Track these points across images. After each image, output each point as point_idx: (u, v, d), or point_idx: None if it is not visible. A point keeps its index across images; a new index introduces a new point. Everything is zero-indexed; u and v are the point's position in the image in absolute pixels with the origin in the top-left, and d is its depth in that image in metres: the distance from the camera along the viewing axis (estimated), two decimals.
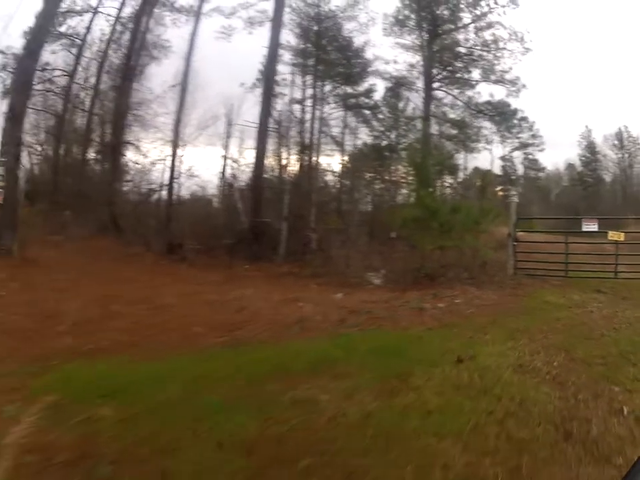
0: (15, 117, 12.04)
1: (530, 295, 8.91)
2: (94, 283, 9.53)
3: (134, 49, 20.05)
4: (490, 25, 21.19)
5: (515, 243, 11.03)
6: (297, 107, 22.15)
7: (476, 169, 25.27)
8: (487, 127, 22.86)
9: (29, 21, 17.81)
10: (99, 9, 19.73)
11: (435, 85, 22.22)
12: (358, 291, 9.42)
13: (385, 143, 23.33)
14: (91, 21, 20.11)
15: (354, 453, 2.61)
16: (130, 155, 19.54)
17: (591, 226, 11.44)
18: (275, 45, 20.69)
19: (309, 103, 22.42)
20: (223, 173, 21.46)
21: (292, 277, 12.83)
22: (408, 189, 17.60)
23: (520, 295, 8.78)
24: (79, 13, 20.21)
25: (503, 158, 23.97)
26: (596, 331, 5.87)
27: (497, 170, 24.71)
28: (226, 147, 21.57)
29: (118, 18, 20.57)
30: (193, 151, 19.58)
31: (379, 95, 23.05)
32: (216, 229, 18.45)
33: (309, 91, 22.64)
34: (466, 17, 21.67)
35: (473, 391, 3.56)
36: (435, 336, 5.38)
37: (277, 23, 20.55)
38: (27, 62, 12.91)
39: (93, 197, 17.97)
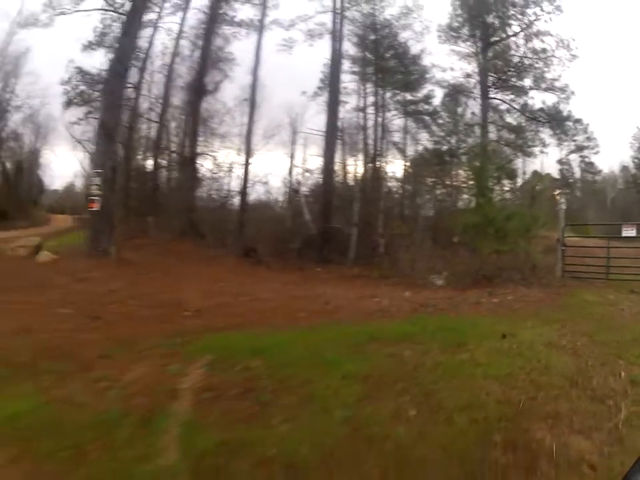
0: (108, 133, 13.44)
1: (571, 294, 9.82)
2: (190, 281, 10.89)
3: (205, 65, 21.34)
4: (538, 33, 21.63)
5: (563, 248, 11.89)
6: (360, 115, 22.90)
7: (535, 173, 25.40)
8: (543, 131, 23.22)
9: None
10: (160, 24, 20.85)
11: (491, 91, 22.74)
12: (423, 290, 10.63)
13: (445, 147, 23.85)
14: (153, 36, 21.14)
15: (429, 383, 3.96)
16: (205, 164, 20.91)
17: (629, 231, 12.23)
18: (336, 55, 21.79)
19: (370, 110, 23.20)
20: (290, 179, 22.45)
21: (363, 278, 14.29)
22: (468, 194, 18.59)
23: (562, 294, 9.69)
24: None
25: (560, 161, 24.27)
26: (620, 323, 6.80)
27: (555, 174, 24.93)
28: (291, 154, 22.64)
29: (180, 33, 21.59)
30: (261, 159, 20.84)
31: (437, 100, 23.66)
32: (283, 234, 19.61)
33: (370, 99, 23.36)
34: (515, 26, 22.11)
35: (510, 355, 4.69)
36: (487, 321, 6.54)
37: (336, 34, 21.66)
38: (114, 83, 14.30)
39: (172, 204, 19.56)
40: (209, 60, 21.49)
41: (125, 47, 14.57)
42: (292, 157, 22.80)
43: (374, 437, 3.06)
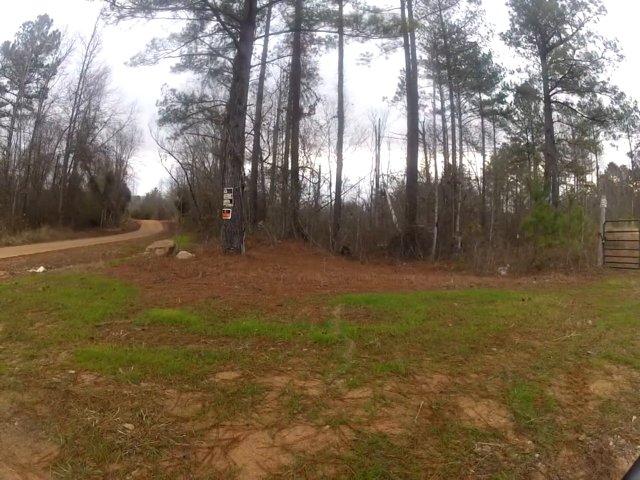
0: (237, 159, 16.50)
1: (600, 279, 11.81)
2: (306, 269, 13.73)
3: (297, 89, 23.79)
4: (588, 35, 22.68)
5: (604, 241, 13.62)
6: (438, 117, 24.59)
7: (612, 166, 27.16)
8: (608, 128, 24.04)
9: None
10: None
11: (553, 92, 23.81)
12: (486, 277, 13.43)
13: (522, 144, 25.14)
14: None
15: (464, 315, 7.15)
16: (305, 174, 23.64)
17: None
18: (411, 61, 23.38)
19: (448, 112, 24.81)
20: (376, 182, 24.65)
21: (441, 270, 16.83)
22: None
23: (592, 279, 11.89)
24: None
25: (630, 154, 25.40)
26: (620, 299, 9.01)
27: (629, 166, 26.44)
28: (376, 158, 24.94)
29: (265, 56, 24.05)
30: (349, 164, 23.14)
31: (510, 99, 24.92)
32: (372, 234, 21.91)
33: (446, 102, 24.96)
34: (568, 29, 23.10)
35: (520, 308, 7.70)
36: (517, 292, 9.47)
37: (409, 42, 23.13)
38: (237, 119, 16.99)
39: (279, 210, 22.45)
40: (300, 83, 23.89)
41: (241, 89, 17.30)
42: (377, 160, 25.00)
43: (430, 331, 6.07)
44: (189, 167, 29.34)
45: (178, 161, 29.15)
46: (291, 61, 24.70)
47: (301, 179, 24.07)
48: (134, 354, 4.89)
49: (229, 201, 15.94)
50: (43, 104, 27.67)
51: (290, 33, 23.67)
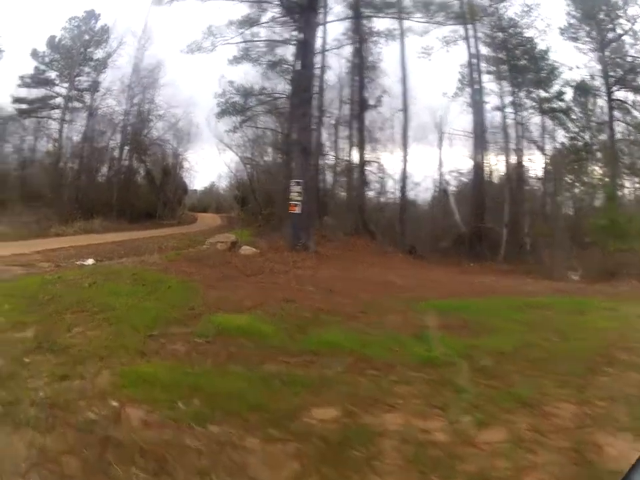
0: (304, 150, 16.17)
1: None
2: (377, 268, 13.65)
3: (362, 80, 23.24)
4: None
5: None
6: (499, 114, 23.69)
7: None
8: None
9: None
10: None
11: (614, 88, 22.72)
12: (560, 282, 13.25)
13: (581, 143, 23.95)
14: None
15: (557, 325, 6.98)
16: (371, 169, 23.08)
17: None
18: (472, 56, 22.94)
19: (509, 109, 23.85)
20: (439, 180, 23.94)
21: (510, 273, 16.34)
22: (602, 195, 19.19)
23: None
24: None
25: None
26: None
27: None
28: (438, 155, 24.10)
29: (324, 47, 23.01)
30: (411, 161, 22.61)
31: (568, 96, 23.76)
32: (435, 232, 21.66)
33: (508, 98, 23.88)
34: (624, 24, 22.04)
35: (614, 321, 7.40)
36: (600, 301, 9.34)
37: (469, 36, 22.80)
38: (304, 108, 16.75)
39: (345, 206, 22.12)
40: (365, 75, 23.43)
41: (306, 77, 17.04)
42: (439, 157, 24.26)
43: (536, 346, 5.81)
44: (249, 161, 28.98)
45: (237, 155, 28.91)
46: (352, 51, 24.11)
47: (368, 173, 23.65)
48: (197, 378, 4.08)
49: (297, 194, 15.58)
50: (95, 97, 27.71)
51: (351, 22, 23.15)
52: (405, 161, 23.07)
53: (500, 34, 23.63)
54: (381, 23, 23.09)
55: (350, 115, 24.30)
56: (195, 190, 40.96)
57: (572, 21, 23.35)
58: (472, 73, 23.52)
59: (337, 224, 20.61)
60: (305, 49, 17.42)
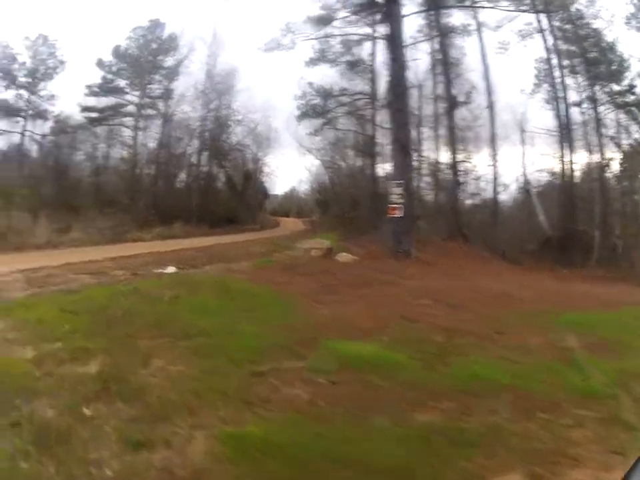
0: (403, 148, 15.14)
1: None
2: (482, 276, 12.54)
3: (449, 77, 22.34)
4: None
5: None
6: (576, 110, 22.52)
7: None
8: None
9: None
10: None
11: None
12: None
13: None
14: (374, 48, 22.82)
15: None
16: (463, 170, 22.02)
17: None
18: (547, 51, 21.91)
19: (586, 105, 22.56)
20: (525, 180, 22.66)
21: (606, 279, 14.92)
22: None
23: None
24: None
25: None
26: None
27: None
28: (521, 155, 22.87)
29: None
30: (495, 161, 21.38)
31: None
32: (522, 235, 20.55)
33: (583, 93, 22.64)
34: None
35: None
36: None
37: (543, 30, 21.67)
38: (399, 103, 15.82)
39: (439, 208, 21.13)
40: (450, 71, 22.52)
41: (398, 70, 16.11)
42: (522, 157, 22.97)
43: None
44: (330, 164, 28.33)
45: (318, 158, 28.48)
46: (432, 46, 23.11)
47: (460, 174, 22.42)
48: (333, 443, 2.92)
49: (397, 196, 14.49)
50: (169, 104, 27.74)
51: (428, 16, 22.11)
52: (495, 160, 21.90)
53: (569, 26, 22.48)
54: (455, 18, 22.35)
55: (435, 113, 23.38)
56: (276, 194, 41.35)
57: (633, 10, 21.90)
58: (550, 67, 22.45)
59: (429, 228, 19.66)
60: (393, 41, 16.48)
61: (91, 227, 19.57)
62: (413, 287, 9.92)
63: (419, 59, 22.59)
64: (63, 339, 4.82)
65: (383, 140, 23.04)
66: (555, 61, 22.50)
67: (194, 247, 16.68)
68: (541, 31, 21.78)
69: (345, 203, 26.21)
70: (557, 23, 22.38)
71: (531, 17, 21.25)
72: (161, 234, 21.10)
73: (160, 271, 10.45)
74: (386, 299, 8.39)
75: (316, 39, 21.63)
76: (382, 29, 18.64)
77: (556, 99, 22.23)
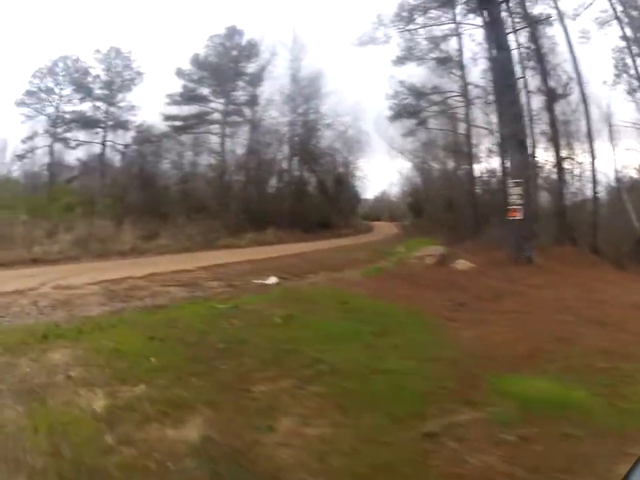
0: (520, 143, 14.05)
1: None
2: (602, 284, 10.88)
3: (544, 68, 20.89)
4: None
5: None
6: None
7: None
8: None
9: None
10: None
11: None
12: None
13: None
14: (460, 43, 22.29)
15: None
16: (566, 167, 20.58)
17: None
18: (625, 40, 20.18)
19: None
20: (615, 177, 21.12)
21: None
22: None
23: None
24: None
25: None
26: None
27: None
28: (609, 150, 21.07)
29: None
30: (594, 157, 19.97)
31: None
32: (611, 234, 18.92)
33: None
34: None
35: None
36: None
37: (618, 15, 19.95)
38: (509, 95, 14.62)
39: (546, 209, 19.85)
40: (545, 61, 21.13)
41: (505, 59, 15.02)
42: (611, 152, 21.17)
43: None
44: (422, 166, 27.83)
45: (410, 160, 28.13)
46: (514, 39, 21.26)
47: (566, 170, 20.78)
48: None
49: (517, 197, 13.23)
50: (255, 110, 27.95)
51: (516, 7, 20.56)
52: (593, 156, 20.22)
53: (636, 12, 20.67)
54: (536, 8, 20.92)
55: (527, 107, 21.43)
56: (367, 198, 41.13)
57: None
58: (632, 57, 20.39)
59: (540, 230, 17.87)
60: (495, 28, 15.49)
61: (180, 234, 19.58)
62: (545, 299, 8.78)
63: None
64: (147, 381, 3.69)
65: (478, 139, 22.60)
66: (635, 50, 20.61)
67: (290, 253, 16.04)
68: (617, 18, 20.12)
69: (439, 206, 25.45)
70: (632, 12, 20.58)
71: (605, 4, 19.80)
72: (253, 240, 20.87)
73: (260, 281, 9.62)
74: (525, 314, 7.28)
75: (412, 29, 21.39)
76: (476, 20, 18.71)
77: (635, 90, 20.28)
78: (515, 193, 13.27)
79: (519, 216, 13.19)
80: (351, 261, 14.14)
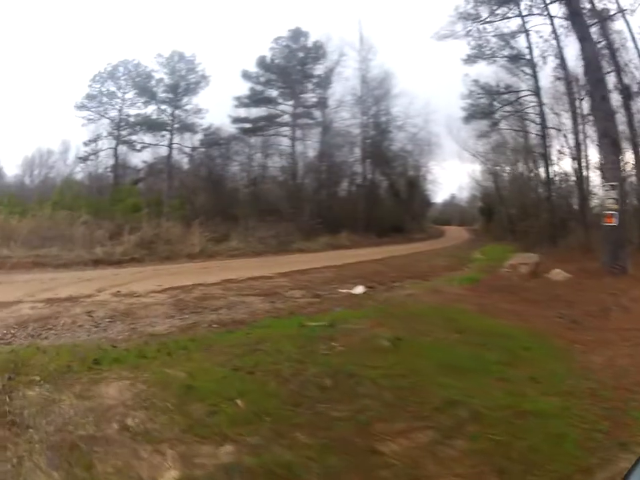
0: (613, 142, 13.27)
1: None
2: None
3: (619, 64, 19.88)
4: None
5: None
6: None
7: None
8: None
9: None
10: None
11: None
12: None
13: None
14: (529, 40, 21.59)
15: None
16: None
17: None
18: None
19: None
20: None
21: None
22: None
23: None
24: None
25: None
26: None
27: None
28: None
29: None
30: None
31: None
32: None
33: None
34: None
35: None
36: None
37: None
38: (600, 89, 13.88)
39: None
40: (619, 59, 20.04)
41: (591, 51, 14.38)
42: None
43: None
44: (494, 169, 27.33)
45: (481, 162, 27.76)
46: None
47: None
48: None
49: (612, 201, 12.48)
50: (326, 112, 27.87)
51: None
52: None
53: None
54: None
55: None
56: (434, 202, 40.08)
57: None
58: None
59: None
60: (577, 18, 14.74)
61: (251, 236, 19.65)
62: None
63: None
64: (236, 438, 2.83)
65: (549, 141, 21.91)
66: None
67: (369, 258, 15.59)
68: None
69: (511, 210, 24.65)
70: None
71: None
72: (328, 244, 20.83)
73: (346, 291, 8.87)
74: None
75: (491, 21, 20.95)
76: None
77: None
78: (610, 197, 12.52)
79: (614, 222, 12.40)
80: (434, 267, 13.76)
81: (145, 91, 27.62)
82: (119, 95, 27.77)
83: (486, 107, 23.78)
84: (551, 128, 21.66)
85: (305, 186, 26.57)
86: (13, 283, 9.40)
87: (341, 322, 5.76)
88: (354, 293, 8.73)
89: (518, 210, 23.97)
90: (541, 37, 20.70)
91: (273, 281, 10.31)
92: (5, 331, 5.62)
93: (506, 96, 23.38)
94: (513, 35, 21.90)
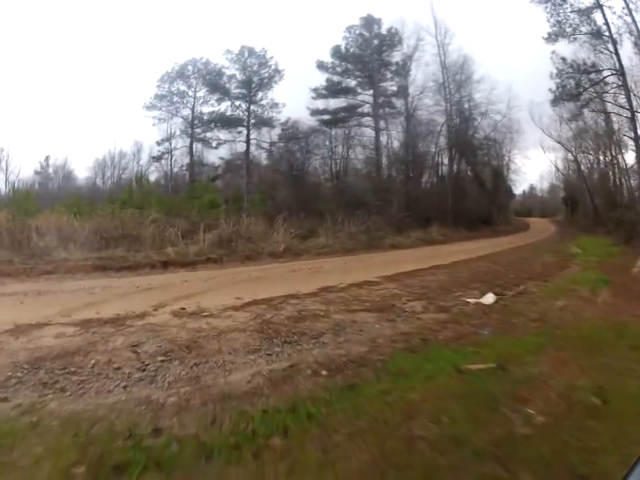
0: None
1: None
2: None
3: None
4: None
5: None
6: None
7: None
8: None
9: None
10: None
11: None
12: None
13: None
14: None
15: None
16: None
17: None
18: None
19: None
20: None
21: None
22: None
23: None
24: None
25: None
26: None
27: None
28: None
29: None
30: None
31: None
32: None
33: None
34: None
35: None
36: None
37: None
38: None
39: None
40: None
41: None
42: None
43: None
44: (579, 157, 26.81)
45: (566, 149, 27.10)
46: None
47: None
48: None
49: None
50: (408, 100, 27.33)
51: None
52: None
53: None
54: None
55: None
56: (515, 193, 38.88)
57: None
58: None
59: None
60: None
61: (340, 232, 18.85)
62: None
63: None
64: None
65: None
66: None
67: (473, 255, 14.21)
68: None
69: (599, 201, 23.13)
70: None
71: None
72: (420, 238, 20.20)
73: (474, 300, 7.39)
74: None
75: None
76: None
77: None
78: None
79: None
80: (545, 265, 12.43)
81: (217, 88, 27.82)
82: (190, 93, 28.21)
83: (572, 88, 22.79)
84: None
85: (391, 178, 26.10)
86: (54, 293, 8.06)
87: (512, 361, 4.18)
88: (484, 302, 7.22)
89: (604, 199, 22.37)
90: (614, 12, 20.18)
91: (381, 287, 8.61)
92: (9, 373, 4.11)
93: (592, 75, 22.30)
94: (589, 10, 21.13)
